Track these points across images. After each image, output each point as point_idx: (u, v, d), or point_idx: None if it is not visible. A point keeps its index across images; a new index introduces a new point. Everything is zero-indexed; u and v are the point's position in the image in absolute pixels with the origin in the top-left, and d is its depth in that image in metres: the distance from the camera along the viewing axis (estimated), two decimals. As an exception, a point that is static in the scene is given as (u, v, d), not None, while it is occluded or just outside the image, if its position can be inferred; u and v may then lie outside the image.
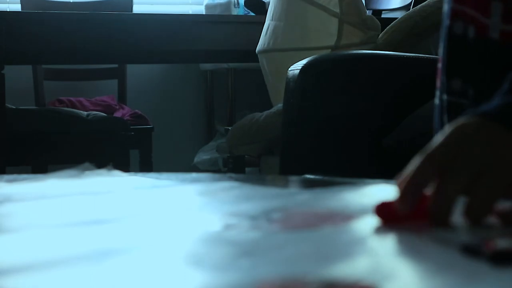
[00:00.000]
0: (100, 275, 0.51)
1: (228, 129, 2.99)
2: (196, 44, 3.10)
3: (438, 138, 0.66)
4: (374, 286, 0.47)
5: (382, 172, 1.02)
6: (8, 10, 3.84)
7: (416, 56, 1.98)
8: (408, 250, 0.58)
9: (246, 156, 2.88)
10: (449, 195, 0.63)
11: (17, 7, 3.74)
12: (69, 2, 3.82)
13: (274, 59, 2.79)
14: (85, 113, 3.24)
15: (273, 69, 2.80)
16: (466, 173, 0.63)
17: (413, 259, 0.55)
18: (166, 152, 4.02)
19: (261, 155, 2.70)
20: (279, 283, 0.48)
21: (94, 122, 3.15)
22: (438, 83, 1.01)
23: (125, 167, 3.02)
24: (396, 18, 2.68)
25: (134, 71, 3.99)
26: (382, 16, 3.51)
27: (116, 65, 3.87)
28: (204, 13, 3.70)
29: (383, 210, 0.64)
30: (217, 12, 3.58)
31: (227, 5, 3.55)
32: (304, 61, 1.87)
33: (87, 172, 0.95)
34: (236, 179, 0.90)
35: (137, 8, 3.89)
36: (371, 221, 0.64)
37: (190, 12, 4.17)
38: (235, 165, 2.87)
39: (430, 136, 0.94)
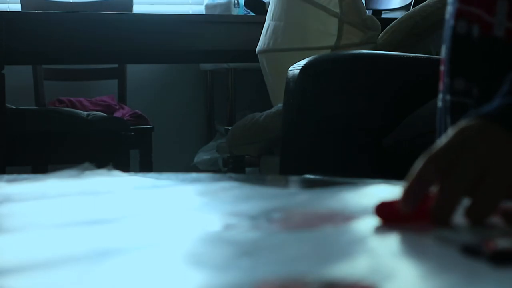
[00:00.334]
0: (100, 275, 0.51)
1: (228, 129, 2.99)
2: (196, 44, 3.10)
3: (441, 141, 0.66)
4: (374, 286, 0.47)
5: (382, 172, 1.02)
6: (8, 10, 3.84)
7: (416, 56, 1.98)
8: (408, 250, 0.58)
9: (246, 156, 2.88)
10: (452, 196, 0.63)
11: (17, 7, 3.74)
12: (69, 2, 3.82)
13: (274, 59, 2.79)
14: (85, 113, 3.24)
15: (273, 69, 2.80)
16: (468, 174, 0.64)
17: (413, 259, 0.55)
18: (166, 152, 4.02)
19: (261, 155, 2.70)
20: (279, 283, 0.48)
21: (94, 122, 3.15)
22: (441, 85, 1.00)
23: (125, 167, 3.02)
24: (396, 18, 2.68)
25: (134, 71, 3.99)
26: (382, 16, 3.51)
27: (116, 65, 3.87)
28: (204, 13, 3.70)
29: (383, 210, 0.64)
30: (217, 12, 3.59)
31: (227, 5, 3.55)
32: (304, 61, 1.87)
33: (87, 172, 0.95)
34: (236, 179, 0.90)
35: (137, 8, 3.88)
36: (371, 221, 0.64)
37: (190, 12, 4.17)
38: (235, 165, 2.87)
39: (430, 136, 0.94)
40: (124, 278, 0.50)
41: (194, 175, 0.96)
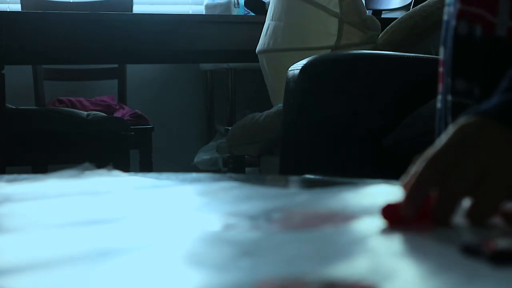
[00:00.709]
0: (100, 275, 0.51)
1: (228, 129, 2.99)
2: (196, 44, 3.10)
3: (441, 140, 0.66)
4: (374, 286, 0.47)
5: (382, 172, 1.02)
6: (8, 10, 3.84)
7: (416, 56, 1.98)
8: (408, 250, 0.58)
9: (246, 156, 2.88)
10: (452, 196, 0.63)
11: (17, 7, 3.74)
12: (69, 2, 3.82)
13: (274, 59, 2.79)
14: (85, 113, 3.24)
15: (273, 69, 2.80)
16: (468, 174, 0.63)
17: (413, 259, 0.55)
18: (166, 152, 4.02)
19: (261, 155, 2.70)
20: (279, 283, 0.48)
21: (94, 122, 3.15)
22: (440, 87, 1.00)
23: (125, 167, 3.02)
24: (396, 18, 2.68)
25: (134, 71, 3.99)
26: (382, 16, 3.51)
27: (116, 65, 3.87)
28: (204, 13, 3.70)
29: (389, 212, 0.64)
30: (217, 12, 3.58)
31: (227, 5, 3.55)
32: (304, 61, 1.87)
33: (87, 172, 0.95)
34: (236, 179, 0.90)
35: (137, 8, 3.88)
36: (371, 221, 0.64)
37: (190, 12, 4.17)
38: (235, 165, 2.87)
39: (430, 136, 0.94)
40: (124, 278, 0.50)
41: (194, 175, 0.96)
